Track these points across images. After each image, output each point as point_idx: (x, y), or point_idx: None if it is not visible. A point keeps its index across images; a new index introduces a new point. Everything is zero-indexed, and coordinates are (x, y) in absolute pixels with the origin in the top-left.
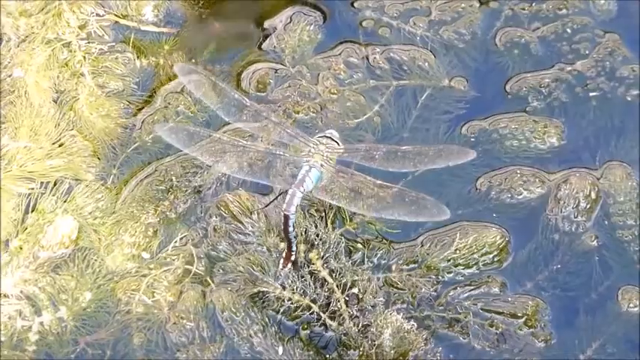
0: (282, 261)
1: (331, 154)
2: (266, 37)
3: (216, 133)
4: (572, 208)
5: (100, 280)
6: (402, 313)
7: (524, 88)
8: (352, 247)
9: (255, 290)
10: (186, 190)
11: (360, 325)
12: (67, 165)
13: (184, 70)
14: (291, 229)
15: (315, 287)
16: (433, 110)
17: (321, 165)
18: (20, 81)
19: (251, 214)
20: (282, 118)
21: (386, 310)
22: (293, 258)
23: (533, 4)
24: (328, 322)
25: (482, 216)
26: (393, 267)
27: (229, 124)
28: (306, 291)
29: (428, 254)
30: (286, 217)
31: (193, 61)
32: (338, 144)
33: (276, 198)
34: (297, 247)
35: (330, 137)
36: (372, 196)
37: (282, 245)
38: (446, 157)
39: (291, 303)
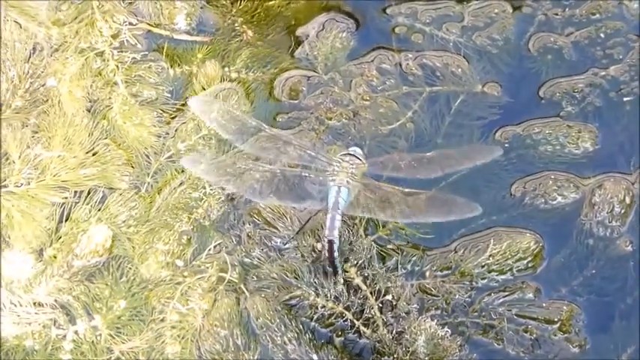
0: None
1: (355, 170)
2: (299, 44)
3: (237, 160)
4: (607, 213)
5: (134, 289)
6: (436, 320)
7: (558, 93)
8: (385, 253)
9: (288, 297)
10: (220, 198)
11: (394, 332)
12: (101, 174)
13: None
14: (336, 254)
15: (349, 294)
16: (467, 116)
17: (347, 182)
18: (54, 90)
19: (283, 215)
20: (314, 124)
21: (420, 317)
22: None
23: (567, 10)
24: (362, 329)
25: (517, 222)
26: (427, 273)
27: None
28: (339, 298)
29: (462, 260)
30: (330, 243)
31: (226, 69)
32: (362, 161)
33: (308, 221)
34: (342, 272)
35: (353, 155)
36: (402, 203)
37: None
38: (472, 157)
39: (325, 310)
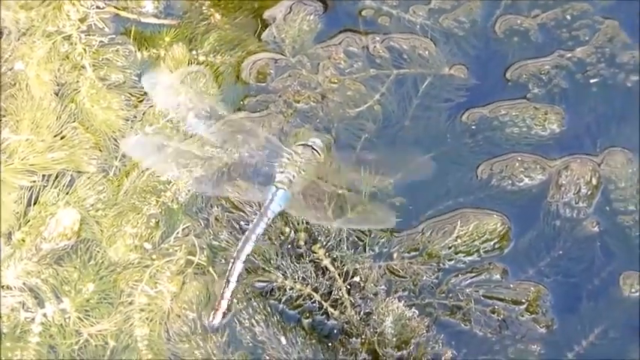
0: (212, 312)
1: (306, 164)
2: (266, 27)
3: (185, 145)
4: (573, 194)
5: (102, 272)
6: (403, 301)
7: (525, 75)
8: (354, 235)
9: (256, 279)
10: (188, 181)
11: (362, 313)
12: (69, 157)
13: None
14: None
15: (317, 276)
16: (434, 98)
17: (289, 181)
18: (21, 74)
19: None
20: (281, 107)
21: (387, 298)
22: (224, 308)
23: None
24: (330, 310)
25: (484, 203)
26: (395, 255)
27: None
28: (307, 280)
29: (429, 242)
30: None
31: (194, 52)
32: (319, 154)
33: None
34: (231, 297)
35: (311, 146)
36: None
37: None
38: (405, 170)
39: (293, 292)
